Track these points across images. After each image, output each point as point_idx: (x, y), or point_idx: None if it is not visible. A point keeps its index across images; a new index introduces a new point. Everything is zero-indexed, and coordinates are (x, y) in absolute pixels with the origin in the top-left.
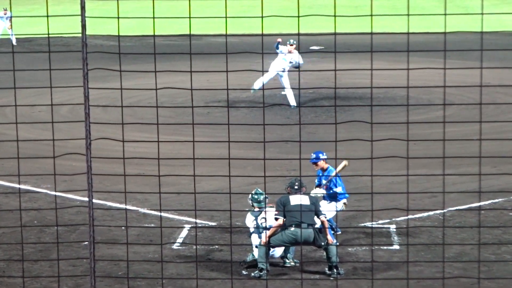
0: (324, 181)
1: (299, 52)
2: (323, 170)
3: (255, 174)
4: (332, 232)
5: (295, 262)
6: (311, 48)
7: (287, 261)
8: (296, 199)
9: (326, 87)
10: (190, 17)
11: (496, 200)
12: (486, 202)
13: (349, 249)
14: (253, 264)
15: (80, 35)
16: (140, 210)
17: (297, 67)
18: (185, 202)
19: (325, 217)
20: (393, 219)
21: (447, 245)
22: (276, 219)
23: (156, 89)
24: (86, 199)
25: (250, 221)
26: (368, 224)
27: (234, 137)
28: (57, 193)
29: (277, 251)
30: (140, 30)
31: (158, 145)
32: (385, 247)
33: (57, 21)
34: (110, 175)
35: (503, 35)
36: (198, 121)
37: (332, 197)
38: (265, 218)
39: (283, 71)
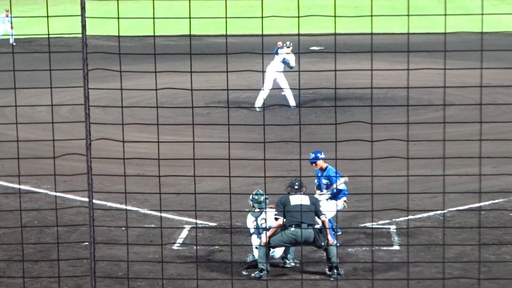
0: (324, 181)
1: (299, 53)
2: (322, 170)
3: (255, 174)
4: (333, 232)
5: (295, 263)
6: (311, 48)
7: (287, 261)
8: (296, 199)
9: (326, 88)
10: (190, 18)
11: (496, 201)
12: (486, 203)
13: (349, 249)
14: (253, 265)
15: (80, 35)
16: (140, 210)
17: (288, 65)
18: (185, 202)
19: (326, 217)
20: (393, 219)
21: (447, 246)
22: (276, 219)
23: (156, 90)
24: (86, 199)
25: (250, 222)
26: (368, 224)
27: (234, 137)
28: (57, 194)
29: (277, 252)
30: (140, 30)
31: (158, 146)
32: (385, 248)
33: (57, 22)
34: (110, 176)
35: (503, 36)
36: (198, 122)
37: (332, 196)
38: (265, 219)
39: (279, 72)
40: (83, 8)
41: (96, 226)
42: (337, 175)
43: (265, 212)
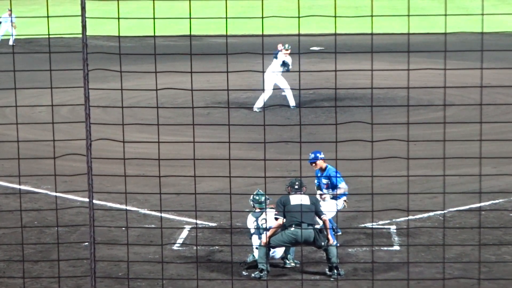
0: (324, 181)
1: (299, 53)
2: (322, 169)
3: (255, 174)
4: (333, 232)
5: (295, 263)
6: (311, 48)
7: (287, 262)
8: (296, 199)
9: (327, 88)
10: (190, 18)
11: (497, 201)
12: (487, 203)
13: (350, 249)
14: (254, 265)
15: (80, 35)
16: (141, 210)
17: (285, 67)
18: (186, 202)
19: (326, 217)
20: (394, 219)
21: (447, 246)
22: (276, 219)
23: (156, 90)
24: (87, 199)
25: (251, 222)
26: (369, 224)
27: (234, 137)
28: (58, 194)
29: (278, 252)
30: (140, 30)
31: (158, 146)
32: (385, 248)
33: (58, 22)
34: (111, 176)
35: (503, 36)
36: (198, 122)
37: (333, 196)
38: (266, 219)
39: (277, 74)
40: (83, 8)
41: (96, 226)
42: (337, 175)
43: (266, 212)
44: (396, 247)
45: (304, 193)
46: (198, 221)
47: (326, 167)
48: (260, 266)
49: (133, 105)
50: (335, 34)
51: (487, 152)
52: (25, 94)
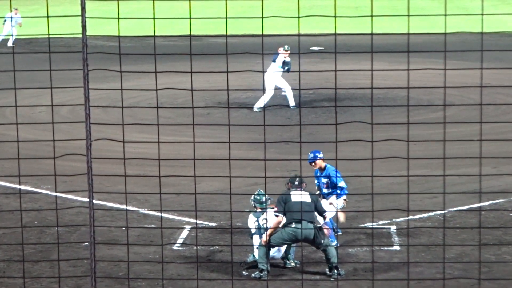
0: (323, 180)
1: (299, 53)
2: (321, 169)
3: (255, 174)
4: (333, 232)
5: (295, 263)
6: (311, 49)
7: (287, 262)
8: (297, 196)
9: (327, 88)
10: (190, 18)
11: (497, 201)
12: (487, 203)
13: (350, 250)
14: (254, 265)
15: (80, 35)
16: (141, 210)
17: (287, 68)
18: (186, 202)
19: (328, 214)
20: (394, 219)
21: (447, 246)
22: (277, 216)
23: (156, 90)
24: (87, 199)
25: (252, 222)
26: (369, 225)
27: (234, 137)
28: (58, 194)
29: (278, 252)
30: (140, 30)
31: (158, 146)
32: (385, 248)
33: (58, 22)
34: (111, 176)
35: (503, 36)
36: (198, 122)
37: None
38: (267, 219)
39: (277, 75)
40: (83, 8)
41: (96, 226)
42: (337, 174)
43: (267, 212)
44: (396, 247)
45: (304, 190)
46: (198, 221)
47: (325, 167)
48: (260, 266)
49: (133, 105)
50: (335, 34)
51: (487, 152)
52: (25, 94)
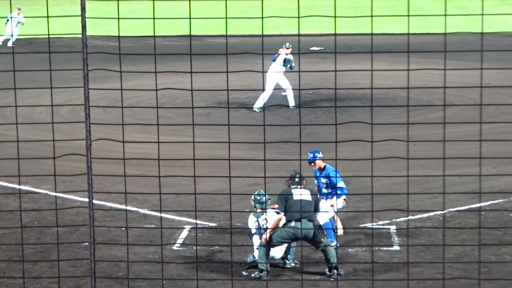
0: (323, 180)
1: (299, 53)
2: (321, 169)
3: (255, 175)
4: (333, 233)
5: (295, 263)
6: (311, 49)
7: (287, 262)
8: (298, 194)
9: (326, 88)
10: (190, 18)
11: (496, 201)
12: (486, 203)
13: (349, 250)
14: (254, 265)
15: (80, 35)
16: (140, 211)
17: (289, 65)
18: (185, 203)
19: (320, 220)
20: (393, 220)
21: (447, 246)
22: (278, 213)
23: (156, 90)
24: (86, 199)
25: (252, 222)
26: (368, 225)
27: (234, 138)
28: (57, 194)
29: (278, 252)
30: (140, 31)
31: (158, 146)
32: (385, 248)
33: (57, 22)
34: (110, 176)
35: (503, 36)
36: (198, 122)
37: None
38: (267, 220)
39: (279, 74)
40: (83, 8)
41: (96, 227)
42: (337, 174)
43: (267, 212)
44: (396, 247)
45: (304, 187)
46: (198, 221)
47: (325, 167)
48: (260, 266)
49: (133, 105)
50: (335, 34)
51: (487, 152)
52: (25, 94)
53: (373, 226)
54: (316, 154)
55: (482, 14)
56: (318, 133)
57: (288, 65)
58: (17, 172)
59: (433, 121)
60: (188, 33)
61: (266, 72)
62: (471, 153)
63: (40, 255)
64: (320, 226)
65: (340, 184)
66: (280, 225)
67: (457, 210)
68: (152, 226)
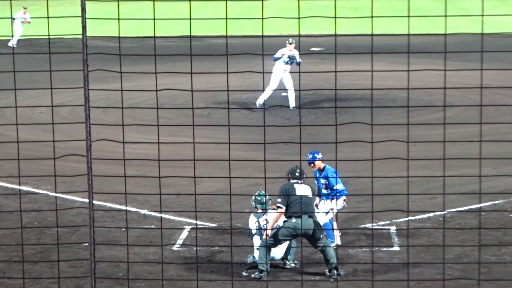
0: (322, 181)
1: (299, 54)
2: (320, 170)
3: (256, 175)
4: (333, 233)
5: (295, 264)
6: (311, 49)
7: (287, 262)
8: (299, 190)
9: (327, 89)
10: (190, 18)
11: (496, 202)
12: (486, 204)
13: (349, 250)
14: (254, 266)
15: (80, 36)
16: (140, 211)
17: (296, 62)
18: (185, 203)
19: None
20: (393, 220)
21: (447, 247)
22: (280, 207)
23: (156, 90)
24: (86, 200)
25: (252, 223)
26: (368, 225)
27: (234, 138)
28: (58, 194)
29: (278, 253)
30: (141, 31)
31: (158, 146)
32: (385, 249)
33: (58, 23)
34: (111, 176)
35: (504, 37)
36: (198, 122)
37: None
38: (267, 220)
39: (284, 71)
40: (83, 9)
41: (96, 227)
42: (336, 175)
43: (267, 213)
44: (396, 248)
45: (304, 183)
46: (198, 222)
47: (324, 167)
48: (260, 266)
49: (133, 106)
50: (335, 35)
51: (487, 153)
52: (26, 94)
53: (373, 227)
54: (316, 155)
55: (482, 15)
56: (318, 134)
57: (294, 62)
58: (17, 172)
59: (433, 121)
60: (189, 34)
61: (269, 73)
62: (471, 154)
63: (40, 256)
64: (319, 223)
65: (339, 186)
66: (280, 222)
67: (457, 211)
68: (152, 226)
